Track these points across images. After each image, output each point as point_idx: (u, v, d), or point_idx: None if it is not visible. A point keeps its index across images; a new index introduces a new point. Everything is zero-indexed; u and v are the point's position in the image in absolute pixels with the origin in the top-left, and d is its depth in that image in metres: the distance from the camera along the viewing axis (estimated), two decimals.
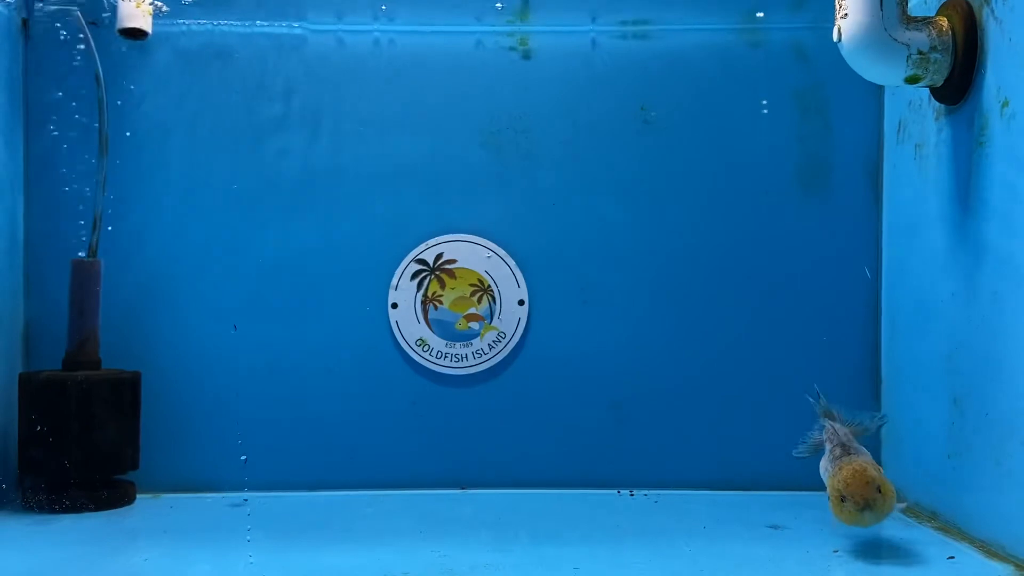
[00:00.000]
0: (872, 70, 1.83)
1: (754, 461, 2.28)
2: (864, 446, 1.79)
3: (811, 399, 1.89)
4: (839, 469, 1.66)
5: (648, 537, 1.86)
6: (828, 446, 1.78)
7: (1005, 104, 1.68)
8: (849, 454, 1.70)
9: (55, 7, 2.17)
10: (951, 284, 1.89)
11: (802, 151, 2.30)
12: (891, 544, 1.72)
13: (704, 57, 2.31)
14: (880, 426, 1.81)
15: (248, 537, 1.84)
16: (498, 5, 2.25)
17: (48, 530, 1.90)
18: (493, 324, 2.31)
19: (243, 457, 2.22)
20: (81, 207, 2.21)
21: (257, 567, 1.61)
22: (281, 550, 1.75)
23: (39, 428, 2.03)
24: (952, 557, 1.70)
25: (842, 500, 1.62)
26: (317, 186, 2.29)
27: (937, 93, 1.91)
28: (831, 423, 1.81)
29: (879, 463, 1.79)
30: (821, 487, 1.74)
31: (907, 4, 1.80)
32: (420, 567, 1.62)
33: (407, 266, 2.30)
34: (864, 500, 1.60)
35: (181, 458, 2.24)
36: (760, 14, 2.29)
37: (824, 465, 1.77)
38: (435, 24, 2.30)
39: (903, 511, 2.02)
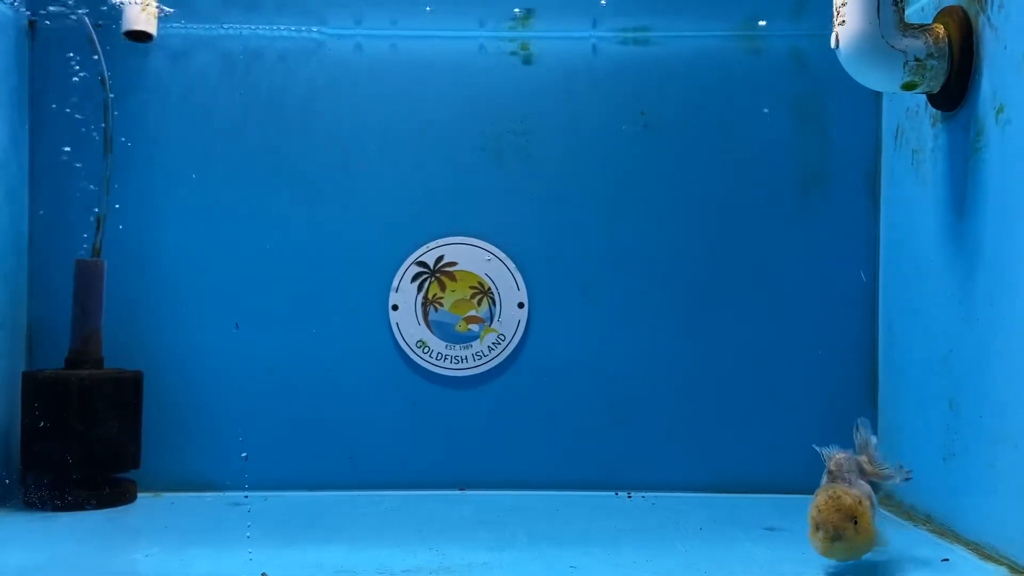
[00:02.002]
0: (869, 77, 1.84)
1: (751, 464, 2.29)
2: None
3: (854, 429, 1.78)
4: (816, 495, 1.58)
5: (645, 538, 1.87)
6: (824, 473, 1.69)
7: (1000, 110, 1.70)
8: (835, 481, 1.61)
9: (62, 9, 2.19)
10: (947, 288, 1.91)
11: (801, 156, 2.32)
12: (886, 546, 1.73)
13: (704, 63, 2.32)
14: (906, 479, 1.71)
15: (248, 535, 1.85)
16: (516, 11, 2.26)
17: (50, 527, 1.91)
18: (493, 326, 2.32)
19: (243, 455, 2.23)
20: (85, 208, 2.22)
21: (257, 564, 1.62)
22: (280, 548, 1.75)
23: (42, 425, 2.04)
24: (946, 559, 1.71)
25: (816, 528, 1.55)
26: (318, 188, 2.30)
27: (934, 99, 1.92)
28: (837, 453, 1.69)
29: None
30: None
31: (904, 12, 1.81)
32: (418, 565, 1.63)
33: (408, 268, 2.32)
34: (835, 529, 1.52)
35: (182, 457, 2.26)
36: (763, 23, 2.30)
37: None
38: (438, 29, 2.31)
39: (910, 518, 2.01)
